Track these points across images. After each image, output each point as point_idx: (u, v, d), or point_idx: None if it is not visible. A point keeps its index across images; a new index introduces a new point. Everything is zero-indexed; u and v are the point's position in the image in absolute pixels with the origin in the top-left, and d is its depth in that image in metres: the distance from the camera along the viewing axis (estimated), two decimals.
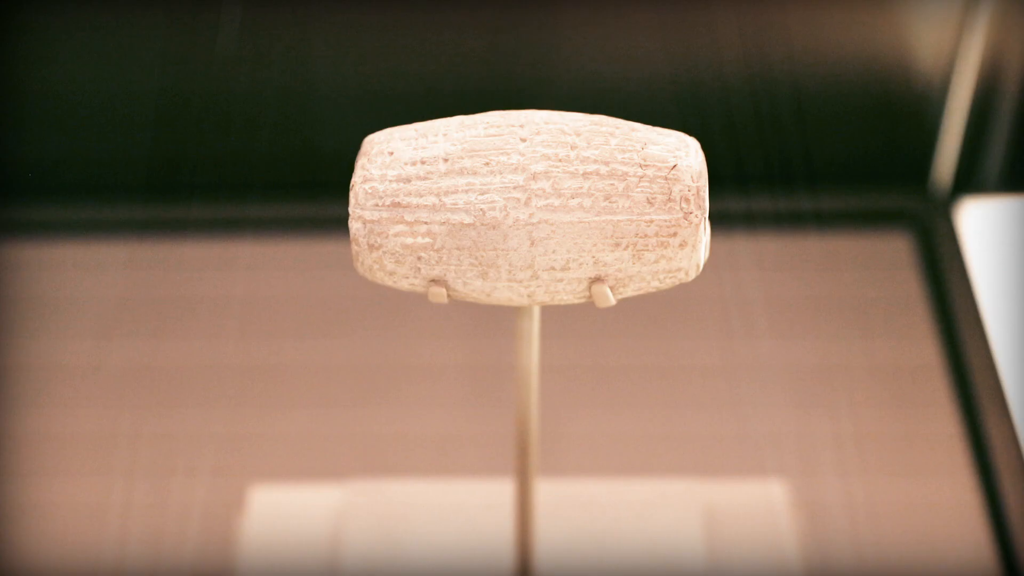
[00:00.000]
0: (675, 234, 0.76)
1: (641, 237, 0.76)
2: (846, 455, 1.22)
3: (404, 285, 0.79)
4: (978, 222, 1.39)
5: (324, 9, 1.32)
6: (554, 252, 0.76)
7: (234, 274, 1.38)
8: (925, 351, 1.30)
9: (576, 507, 1.13)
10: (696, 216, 0.76)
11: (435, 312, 1.33)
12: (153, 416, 1.25)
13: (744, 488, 1.17)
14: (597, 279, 0.77)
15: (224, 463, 1.22)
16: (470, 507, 1.14)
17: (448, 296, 0.78)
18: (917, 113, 1.38)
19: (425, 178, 0.76)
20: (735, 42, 1.35)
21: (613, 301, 0.78)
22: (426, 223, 0.76)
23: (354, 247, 0.77)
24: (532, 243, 0.76)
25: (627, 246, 0.76)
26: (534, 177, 0.75)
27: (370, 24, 1.33)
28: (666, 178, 0.76)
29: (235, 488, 1.19)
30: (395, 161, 0.77)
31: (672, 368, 1.29)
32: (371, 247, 0.77)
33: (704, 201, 0.76)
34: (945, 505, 1.19)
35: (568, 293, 0.78)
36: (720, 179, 1.16)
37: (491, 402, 1.26)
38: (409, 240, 0.76)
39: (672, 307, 1.34)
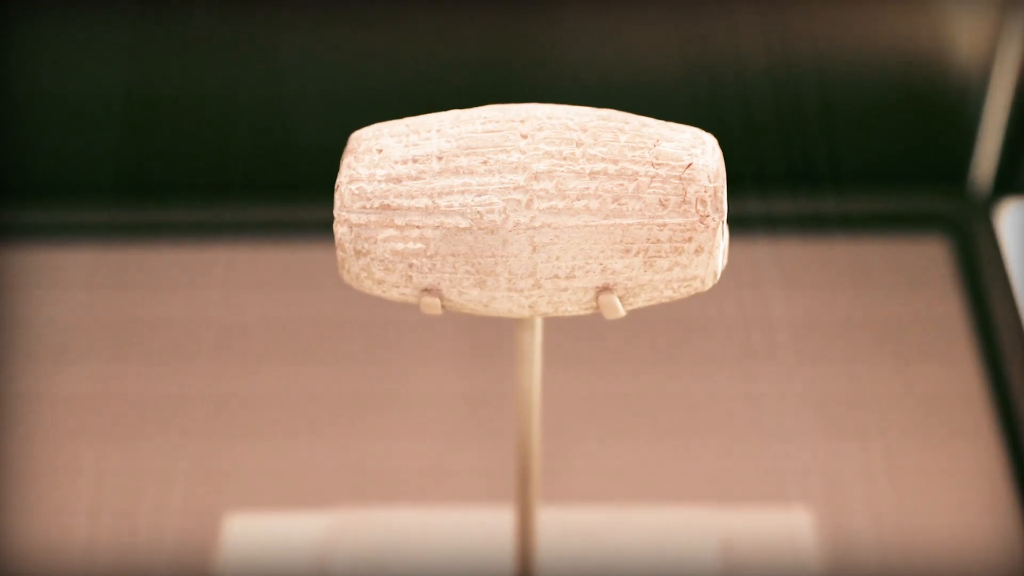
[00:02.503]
0: (690, 239, 0.76)
1: (653, 242, 0.76)
2: (876, 480, 1.22)
3: (394, 295, 0.79)
4: (1021, 225, 1.39)
5: None
6: (558, 259, 0.76)
7: (208, 282, 1.38)
8: (963, 366, 1.30)
9: (581, 538, 1.13)
10: (713, 219, 0.76)
11: (428, 324, 1.33)
12: (120, 437, 1.25)
13: (765, 517, 1.17)
14: (605, 288, 0.77)
15: (197, 490, 1.21)
16: (466, 539, 1.14)
17: (442, 307, 0.78)
18: (955, 107, 1.39)
19: (417, 178, 0.76)
20: (755, 29, 1.35)
21: (623, 312, 0.78)
22: (418, 227, 0.76)
23: (339, 253, 0.77)
24: (534, 249, 0.76)
25: (638, 252, 0.76)
26: (536, 177, 0.75)
27: (356, 9, 1.34)
28: (680, 178, 0.76)
29: (209, 518, 1.18)
30: (384, 159, 0.77)
31: (687, 385, 1.29)
32: (358, 253, 0.77)
33: (722, 203, 0.76)
34: (986, 535, 1.19)
35: (573, 304, 0.78)
36: (739, 179, 1.16)
37: (489, 423, 1.26)
38: (400, 246, 0.76)
39: (687, 319, 1.33)
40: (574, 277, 0.77)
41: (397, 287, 0.78)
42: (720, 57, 1.36)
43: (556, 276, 0.76)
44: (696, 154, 0.76)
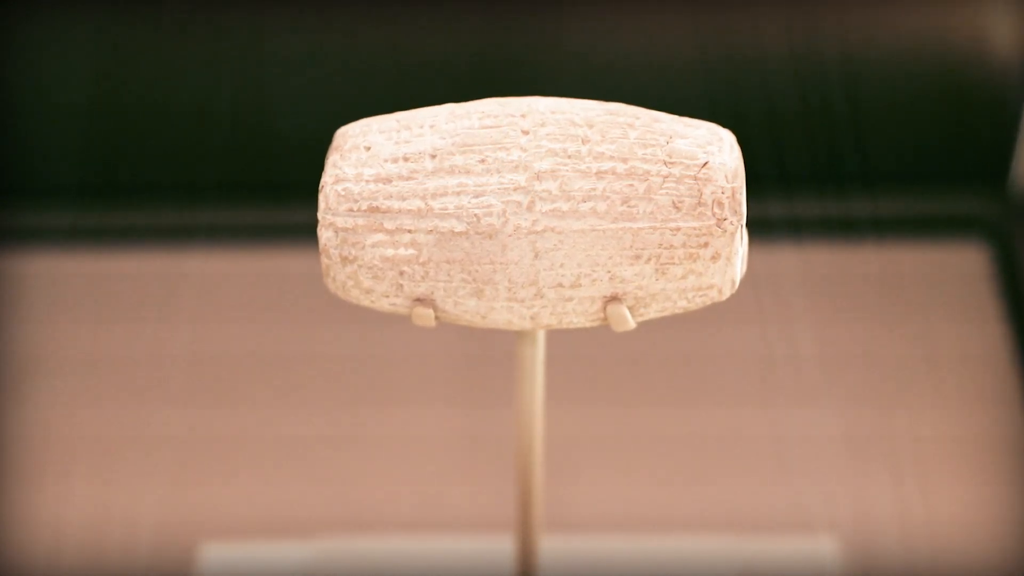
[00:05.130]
0: (706, 244, 0.76)
1: (666, 248, 0.76)
2: (908, 501, 1.22)
3: (384, 305, 0.78)
4: None
5: None
6: (562, 266, 0.76)
7: (183, 290, 1.38)
8: (1003, 379, 1.30)
9: (588, 568, 1.13)
10: (731, 223, 0.76)
11: (421, 337, 1.33)
12: (90, 447, 1.25)
13: (788, 544, 1.17)
14: (613, 298, 0.77)
15: (168, 516, 1.21)
16: (462, 568, 1.13)
17: (436, 318, 0.78)
18: (993, 102, 1.39)
19: (409, 178, 0.76)
20: (777, 16, 1.35)
21: (633, 324, 0.78)
22: (410, 231, 0.76)
23: (324, 260, 0.77)
24: (536, 255, 0.76)
25: (649, 259, 0.76)
26: (538, 177, 0.75)
27: None
28: (695, 178, 0.76)
29: (181, 546, 1.18)
30: (373, 158, 0.77)
31: (702, 402, 1.29)
32: (344, 260, 0.77)
33: (740, 205, 0.76)
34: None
35: (579, 315, 0.78)
36: (760, 179, 1.17)
37: (487, 443, 1.26)
38: (390, 252, 0.76)
39: (702, 331, 1.34)
40: (580, 286, 0.76)
41: (387, 297, 0.78)
42: (739, 46, 1.36)
43: (560, 285, 0.76)
44: (713, 152, 0.76)
